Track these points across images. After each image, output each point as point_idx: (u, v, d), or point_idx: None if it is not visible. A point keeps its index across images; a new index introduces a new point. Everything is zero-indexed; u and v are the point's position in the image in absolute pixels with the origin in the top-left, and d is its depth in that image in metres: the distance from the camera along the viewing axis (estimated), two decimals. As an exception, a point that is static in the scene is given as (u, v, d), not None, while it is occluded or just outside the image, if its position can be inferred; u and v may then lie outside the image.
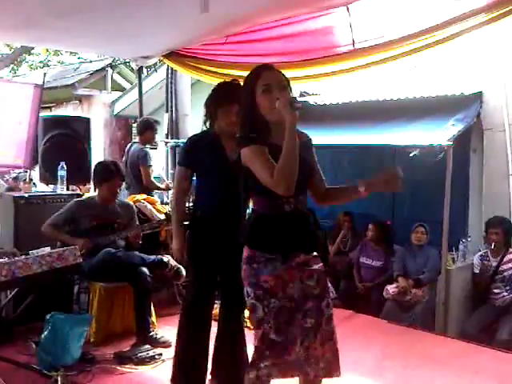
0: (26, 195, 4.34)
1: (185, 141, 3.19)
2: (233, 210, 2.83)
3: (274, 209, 2.15)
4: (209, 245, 2.87)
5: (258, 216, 2.21)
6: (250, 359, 2.18)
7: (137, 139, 5.76)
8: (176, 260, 3.27)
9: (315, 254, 2.25)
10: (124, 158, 5.78)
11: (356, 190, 2.22)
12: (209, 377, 3.08)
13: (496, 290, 4.56)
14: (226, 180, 2.77)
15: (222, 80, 4.52)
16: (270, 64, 2.29)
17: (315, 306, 2.18)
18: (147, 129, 5.64)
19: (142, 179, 5.42)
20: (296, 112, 2.01)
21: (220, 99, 2.87)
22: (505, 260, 4.55)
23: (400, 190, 2.13)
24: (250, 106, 2.16)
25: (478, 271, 4.74)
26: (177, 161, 3.03)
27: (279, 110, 2.05)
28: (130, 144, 5.90)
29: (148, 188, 5.46)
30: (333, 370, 2.24)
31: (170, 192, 5.34)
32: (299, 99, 2.10)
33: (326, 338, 2.20)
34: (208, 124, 2.96)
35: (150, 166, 5.48)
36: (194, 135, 3.10)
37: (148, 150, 5.55)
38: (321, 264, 2.25)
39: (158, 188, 5.63)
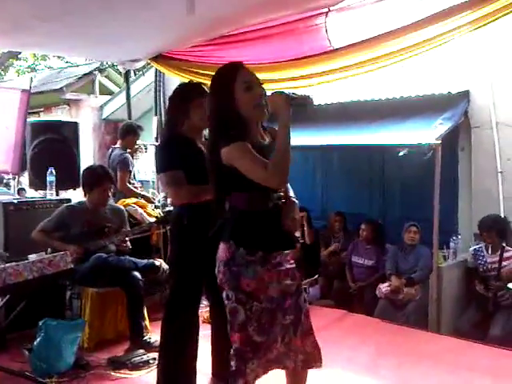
0: (16, 201, 4.31)
1: (158, 146, 3.06)
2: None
3: (258, 205, 2.13)
4: (198, 251, 2.78)
5: (240, 214, 2.16)
6: (233, 366, 2.11)
7: (117, 144, 5.62)
8: None
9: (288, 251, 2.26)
10: (106, 164, 5.51)
11: None
12: (209, 377, 3.05)
13: (490, 286, 4.56)
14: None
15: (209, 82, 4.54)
16: (240, 62, 2.26)
17: (293, 302, 2.19)
18: (128, 133, 5.52)
19: None
20: (292, 107, 2.02)
21: (192, 94, 2.86)
22: (504, 257, 4.52)
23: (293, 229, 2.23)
24: (229, 104, 2.12)
25: (471, 266, 4.74)
26: (160, 167, 2.85)
27: (271, 103, 2.06)
28: (110, 149, 5.72)
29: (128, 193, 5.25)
30: (313, 361, 2.24)
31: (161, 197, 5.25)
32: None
33: (306, 331, 2.22)
34: (170, 127, 2.91)
35: (130, 171, 5.36)
36: (167, 139, 2.99)
37: (128, 155, 5.43)
38: (292, 261, 2.25)
39: (135, 194, 5.27)
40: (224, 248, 2.15)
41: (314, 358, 2.24)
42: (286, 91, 2.08)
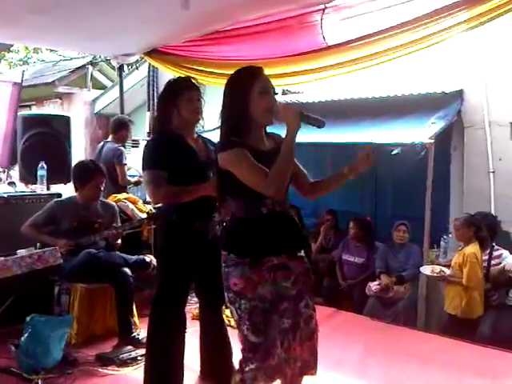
0: (5, 195, 4.27)
1: (146, 144, 3.00)
2: (206, 209, 2.78)
3: (251, 212, 2.16)
4: (186, 247, 2.78)
5: (235, 221, 2.22)
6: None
7: (109, 138, 5.57)
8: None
9: (299, 254, 2.26)
10: (95, 158, 5.40)
11: (342, 174, 2.28)
12: (198, 374, 3.06)
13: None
14: (200, 180, 2.72)
15: (203, 78, 4.52)
16: (261, 67, 2.28)
17: (291, 306, 2.19)
18: (121, 127, 5.50)
19: (116, 179, 5.23)
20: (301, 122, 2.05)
21: (180, 88, 2.84)
22: (493, 256, 4.50)
23: (374, 164, 2.23)
24: (242, 104, 2.14)
25: None
26: (144, 165, 2.81)
27: (284, 114, 2.07)
28: (101, 143, 5.68)
29: (123, 187, 5.31)
30: (309, 368, 2.26)
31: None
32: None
33: (306, 337, 2.21)
34: (160, 123, 2.88)
35: (126, 164, 5.35)
36: (155, 136, 2.94)
37: (123, 148, 5.40)
38: (303, 265, 2.25)
39: (130, 183, 5.52)
40: (222, 252, 2.20)
41: (309, 365, 2.25)
42: (300, 108, 2.10)
